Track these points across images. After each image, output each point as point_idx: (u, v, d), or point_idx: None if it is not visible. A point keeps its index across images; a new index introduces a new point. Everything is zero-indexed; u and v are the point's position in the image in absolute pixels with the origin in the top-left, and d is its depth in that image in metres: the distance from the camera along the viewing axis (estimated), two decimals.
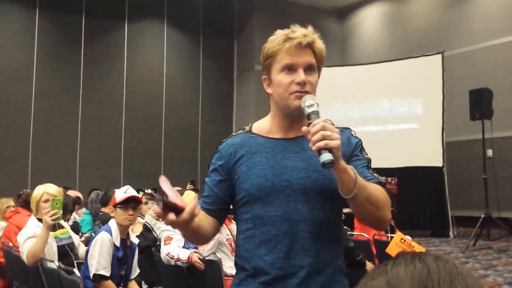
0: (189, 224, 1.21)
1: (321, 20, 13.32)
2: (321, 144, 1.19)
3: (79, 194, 6.64)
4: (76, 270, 2.91)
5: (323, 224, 1.35)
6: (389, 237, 4.79)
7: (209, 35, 12.95)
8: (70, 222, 4.65)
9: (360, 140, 1.45)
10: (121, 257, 3.06)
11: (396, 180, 5.20)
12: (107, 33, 11.68)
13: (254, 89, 12.06)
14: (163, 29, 12.45)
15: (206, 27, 12.93)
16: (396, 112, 9.79)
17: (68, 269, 2.99)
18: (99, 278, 2.94)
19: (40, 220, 3.23)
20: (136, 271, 3.26)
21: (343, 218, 4.25)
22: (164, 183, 1.15)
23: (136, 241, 3.31)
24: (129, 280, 3.21)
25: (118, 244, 3.04)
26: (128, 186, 3.28)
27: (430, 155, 9.04)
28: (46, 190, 3.38)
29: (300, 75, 1.35)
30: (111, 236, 3.02)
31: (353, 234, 4.75)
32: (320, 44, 1.39)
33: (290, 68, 1.37)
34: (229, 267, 3.31)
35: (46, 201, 3.29)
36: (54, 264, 3.06)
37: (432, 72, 9.21)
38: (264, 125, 1.47)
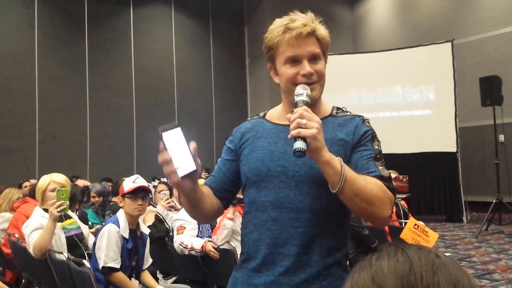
0: (189, 192, 1.23)
1: (332, 7, 13.16)
2: (294, 132, 1.17)
3: (88, 183, 6.56)
4: (86, 262, 2.83)
5: (316, 214, 1.29)
6: (403, 223, 4.72)
7: (218, 21, 12.76)
8: (79, 212, 4.56)
9: (371, 129, 1.36)
10: (131, 248, 2.98)
11: (407, 178, 5.13)
12: (111, 17, 11.51)
13: (267, 75, 11.73)
14: (170, 14, 12.27)
15: (215, 12, 12.74)
16: (410, 99, 9.89)
17: (78, 260, 2.91)
18: (108, 270, 2.87)
19: (46, 210, 3.13)
20: (148, 261, 3.18)
21: None
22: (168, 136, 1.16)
23: (146, 231, 3.22)
24: (142, 270, 3.13)
25: (126, 235, 2.96)
26: (137, 176, 3.17)
27: (444, 140, 9.18)
28: (53, 179, 3.29)
29: (305, 67, 1.32)
30: (119, 228, 2.93)
31: (367, 221, 4.66)
32: (322, 31, 1.35)
33: (294, 60, 1.33)
34: None
35: (53, 190, 3.20)
36: (63, 256, 2.98)
37: (443, 59, 9.36)
38: (276, 112, 1.46)
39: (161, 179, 6.32)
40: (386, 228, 4.60)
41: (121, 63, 11.62)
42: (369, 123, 1.38)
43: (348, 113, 1.40)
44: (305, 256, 1.29)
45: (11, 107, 10.11)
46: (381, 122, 9.77)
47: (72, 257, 2.98)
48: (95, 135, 11.03)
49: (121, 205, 3.04)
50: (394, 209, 5.06)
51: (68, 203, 3.05)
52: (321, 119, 1.27)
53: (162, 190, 4.52)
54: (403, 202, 5.28)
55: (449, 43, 9.38)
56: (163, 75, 12.01)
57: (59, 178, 3.34)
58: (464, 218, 9.00)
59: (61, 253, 3.02)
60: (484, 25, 10.51)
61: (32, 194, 4.31)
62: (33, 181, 6.73)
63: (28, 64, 10.43)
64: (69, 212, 3.43)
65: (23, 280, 3.83)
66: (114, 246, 2.87)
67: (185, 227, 3.53)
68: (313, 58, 1.33)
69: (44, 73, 10.59)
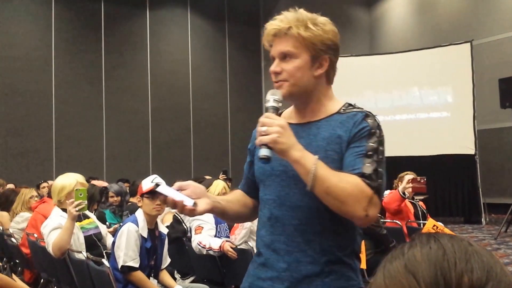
0: (196, 213, 1.32)
1: (349, 9, 13.11)
2: (256, 141, 1.25)
3: (106, 184, 6.60)
4: (105, 261, 2.82)
5: (315, 212, 1.31)
6: (421, 224, 4.66)
7: (234, 23, 12.78)
8: (97, 213, 4.59)
9: (369, 125, 1.32)
10: (149, 247, 2.98)
11: (425, 179, 5.01)
12: (128, 20, 11.59)
13: None
14: (186, 16, 12.32)
15: (231, 14, 12.76)
16: (427, 101, 9.83)
17: (97, 259, 2.91)
18: (127, 269, 2.87)
19: (64, 210, 3.15)
20: (166, 260, 3.18)
21: None
22: (162, 188, 1.32)
23: (165, 231, 3.22)
24: (160, 269, 3.12)
25: (145, 235, 2.96)
26: (155, 176, 3.16)
27: (462, 143, 9.12)
28: (69, 180, 3.29)
29: (272, 66, 1.37)
30: (138, 227, 2.93)
31: (385, 222, 4.61)
32: (300, 29, 1.33)
33: (273, 59, 1.39)
34: None
35: (69, 191, 3.20)
36: (82, 255, 2.98)
37: (461, 60, 9.26)
38: (289, 111, 1.49)
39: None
40: (405, 229, 4.55)
41: (137, 66, 11.70)
42: (372, 120, 1.34)
43: (355, 109, 1.38)
44: (306, 253, 1.31)
45: (28, 110, 10.24)
46: (398, 124, 9.69)
47: (91, 256, 2.98)
48: (111, 138, 11.11)
49: (139, 204, 3.04)
50: (413, 210, 4.99)
51: (86, 202, 3.05)
52: (326, 117, 1.35)
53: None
54: (421, 203, 5.20)
55: (468, 44, 9.28)
56: (178, 78, 12.05)
57: (74, 179, 3.32)
58: (482, 220, 8.93)
59: (80, 252, 3.03)
60: (504, 25, 10.39)
61: (50, 194, 4.35)
62: (51, 182, 6.79)
63: (45, 68, 10.56)
64: (87, 212, 3.44)
65: (42, 280, 3.85)
66: (133, 245, 2.88)
67: (203, 227, 3.52)
68: (283, 57, 1.34)
69: (60, 76, 10.71)
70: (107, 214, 4.82)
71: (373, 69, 10.05)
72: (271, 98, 1.33)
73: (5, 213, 4.79)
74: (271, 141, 1.22)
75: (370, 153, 1.28)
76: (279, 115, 1.47)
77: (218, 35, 12.66)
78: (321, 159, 1.25)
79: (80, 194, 3.00)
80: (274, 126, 1.23)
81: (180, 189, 1.33)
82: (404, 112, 9.92)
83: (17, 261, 4.10)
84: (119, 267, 2.85)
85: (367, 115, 1.35)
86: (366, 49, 12.89)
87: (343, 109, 1.39)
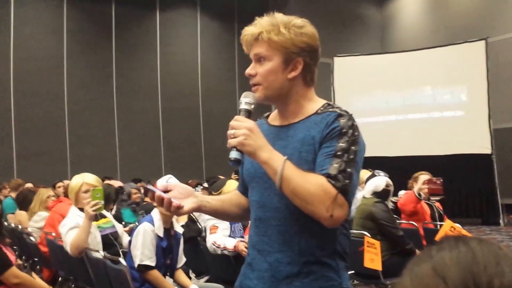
0: (182, 212, 1.38)
1: (360, 7, 13.01)
2: (228, 144, 1.29)
3: (121, 184, 6.66)
4: (122, 260, 2.85)
5: (293, 213, 1.32)
6: (438, 225, 4.61)
7: (244, 23, 12.64)
8: (113, 212, 4.63)
9: (340, 126, 1.32)
10: (165, 247, 3.00)
11: (441, 181, 4.96)
12: (138, 22, 11.68)
13: None
14: (196, 17, 12.37)
15: (240, 15, 12.77)
16: (440, 100, 9.70)
17: (114, 258, 2.94)
18: (144, 268, 2.89)
19: (81, 209, 3.18)
20: (182, 259, 3.19)
21: (391, 207, 3.99)
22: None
23: (180, 230, 3.23)
24: (176, 269, 3.14)
25: (161, 234, 2.98)
26: (170, 176, 3.18)
27: (478, 142, 8.98)
28: (85, 180, 3.33)
29: (248, 68, 1.41)
30: (154, 227, 2.95)
31: (400, 223, 4.56)
32: (271, 34, 1.37)
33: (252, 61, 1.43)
34: None
35: (86, 191, 3.24)
36: (99, 254, 3.02)
37: (476, 58, 9.12)
38: (274, 114, 1.52)
39: (203, 185, 6.30)
40: (421, 230, 4.50)
41: (147, 67, 11.78)
42: (345, 120, 1.33)
43: (331, 110, 1.38)
44: (286, 254, 1.33)
45: (41, 111, 10.39)
46: (409, 123, 9.59)
47: (108, 255, 3.02)
48: (124, 138, 11.21)
49: (155, 204, 3.06)
50: (429, 212, 4.92)
51: (103, 202, 3.08)
52: (304, 118, 1.37)
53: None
54: (437, 204, 5.13)
55: (483, 41, 9.13)
56: (188, 78, 12.11)
57: (90, 178, 3.36)
58: (500, 221, 8.80)
59: (97, 251, 3.06)
60: None
61: (67, 194, 4.40)
62: (66, 182, 6.87)
63: (57, 70, 10.71)
64: (104, 211, 3.47)
65: (60, 278, 3.90)
66: (149, 244, 2.90)
67: (217, 227, 3.53)
68: (258, 60, 1.39)
69: (72, 77, 10.84)
70: (126, 213, 4.87)
71: (385, 68, 9.96)
72: (243, 100, 1.38)
73: (23, 212, 4.87)
74: (238, 143, 1.27)
75: (339, 153, 1.28)
76: (267, 117, 1.53)
77: (227, 35, 12.67)
78: (295, 160, 1.28)
79: (97, 194, 3.03)
80: (241, 129, 1.27)
81: (166, 190, 1.39)
82: (416, 111, 9.79)
83: (36, 259, 4.15)
84: (136, 266, 2.88)
85: (340, 115, 1.34)
86: (378, 47, 12.78)
87: (321, 110, 1.39)
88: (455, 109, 9.51)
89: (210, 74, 12.34)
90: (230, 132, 1.29)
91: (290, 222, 1.34)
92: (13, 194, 6.53)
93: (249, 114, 1.37)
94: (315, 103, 1.42)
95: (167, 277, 3.08)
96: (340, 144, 1.29)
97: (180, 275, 3.16)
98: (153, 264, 2.90)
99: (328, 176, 1.25)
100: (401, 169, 7.63)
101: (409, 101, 9.86)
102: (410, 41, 12.12)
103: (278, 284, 1.34)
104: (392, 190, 4.18)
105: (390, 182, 4.08)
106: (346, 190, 1.25)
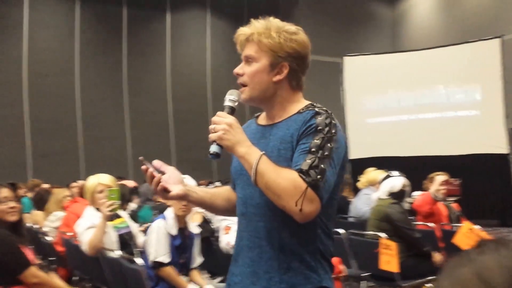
0: (169, 196, 1.45)
1: (371, 5, 12.91)
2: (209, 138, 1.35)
3: (135, 184, 6.70)
4: (137, 259, 2.86)
5: (273, 209, 1.35)
6: (454, 227, 4.54)
7: None
8: (128, 212, 4.65)
9: (316, 123, 1.35)
10: (178, 245, 3.01)
11: (459, 182, 4.92)
12: (149, 23, 11.75)
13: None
14: (205, 18, 12.41)
15: (250, 16, 12.69)
16: (454, 99, 9.57)
17: (129, 258, 2.95)
18: (158, 265, 2.91)
19: (97, 209, 3.21)
20: (198, 260, 3.19)
21: (408, 208, 3.93)
22: (148, 163, 1.46)
23: (196, 230, 3.23)
24: (191, 269, 3.14)
25: (174, 233, 3.00)
26: (185, 176, 3.18)
27: (493, 142, 8.87)
28: (100, 181, 3.36)
29: (236, 68, 1.47)
30: (167, 225, 2.97)
31: (416, 224, 4.50)
32: (261, 36, 1.42)
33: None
34: None
35: (101, 191, 3.27)
36: (115, 254, 3.03)
37: (491, 57, 9.01)
38: (263, 113, 1.56)
39: (215, 184, 6.32)
40: (437, 232, 4.43)
41: (158, 68, 11.84)
42: (322, 118, 1.36)
43: (311, 109, 1.41)
44: (266, 249, 1.37)
45: (54, 112, 10.50)
46: (422, 123, 9.47)
47: (125, 254, 3.03)
48: (135, 138, 11.29)
49: (168, 204, 3.08)
50: (445, 213, 4.85)
51: (119, 202, 3.11)
52: (286, 118, 1.41)
53: None
54: (454, 205, 5.06)
55: (498, 39, 9.00)
56: (197, 79, 12.15)
57: (105, 179, 3.40)
58: None
59: (113, 251, 3.07)
60: None
61: (81, 194, 4.44)
62: (80, 182, 6.91)
63: (70, 71, 10.82)
64: (119, 211, 3.49)
65: (75, 277, 3.92)
66: (163, 241, 2.92)
67: (231, 227, 3.52)
68: (246, 61, 1.45)
69: (84, 79, 10.94)
70: (145, 211, 4.89)
71: (396, 67, 9.85)
72: (227, 98, 1.45)
73: (39, 212, 4.91)
74: (217, 138, 1.34)
75: (313, 149, 1.31)
76: (257, 116, 1.57)
77: None
78: (274, 158, 1.33)
79: (112, 195, 3.07)
80: (221, 124, 1.34)
81: (160, 171, 1.46)
82: (429, 110, 9.66)
83: (51, 258, 4.18)
84: (149, 262, 2.90)
85: (318, 113, 1.37)
86: (389, 46, 12.67)
87: (302, 109, 1.42)
88: (469, 108, 9.38)
89: (219, 75, 12.35)
90: (211, 127, 1.35)
91: (270, 218, 1.37)
92: (29, 194, 6.60)
93: (232, 110, 1.43)
94: (299, 104, 1.45)
95: (182, 276, 3.08)
96: (315, 140, 1.32)
97: (196, 275, 3.16)
98: (167, 260, 2.91)
99: (300, 171, 1.28)
100: (413, 169, 7.55)
101: (421, 100, 9.74)
102: (422, 40, 12.00)
103: (259, 279, 1.37)
104: (409, 191, 4.13)
105: (407, 183, 4.03)
106: (317, 185, 1.27)
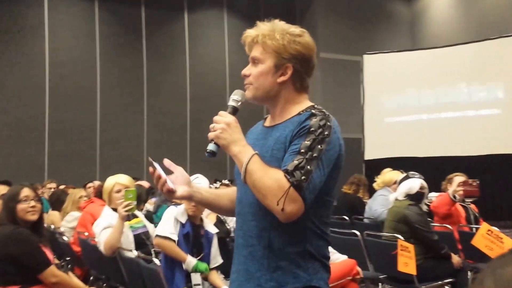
0: (174, 196, 1.51)
1: (388, 3, 12.80)
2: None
3: (150, 185, 6.73)
4: (155, 259, 2.86)
5: (264, 209, 1.36)
6: (473, 228, 4.47)
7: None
8: (144, 212, 4.67)
9: (309, 125, 1.37)
10: (186, 234, 3.03)
11: (478, 182, 4.78)
12: (167, 24, 11.82)
13: (319, 77, 11.68)
14: (222, 18, 12.44)
15: (267, 15, 12.67)
16: (475, 97, 9.36)
17: (146, 258, 2.96)
18: (162, 238, 2.94)
19: (114, 210, 3.23)
20: (216, 260, 3.19)
21: (426, 210, 3.87)
22: (156, 165, 1.54)
23: (213, 230, 3.22)
24: (210, 269, 3.15)
25: (183, 220, 3.02)
26: (197, 175, 3.20)
27: None
28: (118, 181, 3.40)
29: (244, 69, 1.53)
30: (177, 212, 3.04)
31: (434, 226, 4.43)
32: (266, 38, 1.45)
33: None
34: None
35: (118, 191, 3.30)
36: (132, 253, 3.04)
37: None
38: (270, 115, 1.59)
39: (223, 181, 6.32)
40: (456, 233, 4.36)
41: (176, 69, 11.89)
42: (317, 119, 1.37)
43: (308, 110, 1.43)
44: (257, 248, 1.40)
45: (74, 113, 10.60)
46: (443, 122, 9.31)
47: (141, 254, 3.04)
48: (152, 139, 11.35)
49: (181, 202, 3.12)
50: (463, 214, 4.76)
51: (135, 203, 3.13)
52: (286, 119, 1.44)
53: None
54: (473, 206, 4.97)
55: None
56: (216, 79, 12.16)
57: (123, 179, 3.43)
58: None
59: (130, 250, 3.09)
60: None
61: (97, 194, 4.47)
62: (96, 182, 6.96)
63: (90, 72, 10.91)
64: (136, 211, 3.50)
65: (91, 277, 3.95)
66: (170, 222, 2.98)
67: None
68: (253, 62, 1.50)
69: (105, 80, 11.03)
70: (163, 211, 4.91)
71: (416, 65, 9.70)
72: (231, 97, 1.51)
73: (56, 213, 4.96)
74: (214, 136, 1.40)
75: (302, 150, 1.33)
76: (266, 119, 1.59)
77: None
78: (268, 158, 1.37)
79: (129, 195, 3.09)
80: (220, 123, 1.40)
81: (169, 171, 1.54)
82: (450, 109, 9.47)
83: (68, 258, 4.21)
84: (154, 237, 2.99)
85: (313, 114, 1.39)
86: (408, 44, 12.50)
87: (302, 111, 1.44)
88: (491, 107, 9.16)
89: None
90: (211, 125, 1.41)
91: (261, 217, 1.39)
92: (46, 195, 6.68)
93: (234, 110, 1.49)
94: (301, 106, 1.47)
95: (192, 274, 3.07)
96: (305, 142, 1.34)
97: (214, 275, 3.15)
98: (172, 237, 2.94)
99: (286, 171, 1.30)
100: (433, 170, 7.43)
101: (442, 99, 9.55)
102: (441, 37, 11.78)
103: (251, 277, 1.40)
104: (427, 193, 4.06)
105: (425, 184, 3.96)
106: (300, 186, 1.29)
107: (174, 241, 2.94)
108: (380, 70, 9.89)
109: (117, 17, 11.31)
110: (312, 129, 1.35)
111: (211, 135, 1.41)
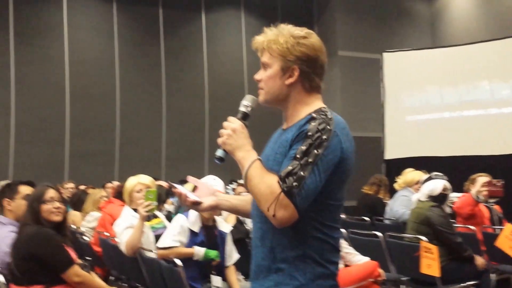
0: (200, 209, 1.60)
1: (408, 1, 12.61)
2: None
3: (167, 185, 6.74)
4: (175, 259, 2.87)
5: None
6: (496, 229, 4.39)
7: (288, 21, 12.56)
8: (164, 212, 4.69)
9: (307, 129, 1.38)
10: (199, 243, 3.02)
11: (502, 183, 4.64)
12: (185, 24, 11.85)
13: (338, 75, 11.58)
14: (240, 17, 12.43)
15: (284, 13, 12.69)
16: (499, 95, 9.11)
17: (168, 258, 2.96)
18: (163, 250, 2.99)
19: (135, 210, 3.25)
20: (232, 257, 3.19)
21: (449, 212, 3.80)
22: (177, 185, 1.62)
23: (226, 229, 3.21)
24: (226, 266, 3.16)
25: (196, 230, 3.01)
26: (214, 177, 3.19)
27: None
28: (139, 181, 3.42)
29: (256, 74, 1.56)
30: (188, 221, 3.04)
31: (457, 227, 4.35)
32: (271, 43, 1.49)
33: None
34: None
35: (139, 191, 3.32)
36: (153, 254, 3.05)
37: None
38: None
39: (238, 181, 6.35)
40: (479, 235, 4.28)
41: (194, 68, 11.93)
42: (315, 123, 1.38)
43: (311, 115, 1.44)
44: (262, 249, 1.45)
45: (94, 113, 10.71)
46: (466, 121, 9.11)
47: None
48: (170, 139, 11.40)
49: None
50: (487, 215, 4.66)
51: (156, 203, 3.15)
52: (295, 122, 1.45)
53: (241, 192, 4.52)
54: (496, 207, 4.86)
55: None
56: (234, 78, 12.15)
57: (145, 179, 3.45)
58: None
59: (151, 251, 3.10)
60: None
61: (116, 195, 4.49)
62: (115, 182, 7.02)
63: (109, 72, 11.01)
64: (156, 212, 3.52)
65: (112, 277, 3.98)
66: (176, 231, 3.00)
67: None
68: (263, 67, 1.53)
69: (124, 80, 11.12)
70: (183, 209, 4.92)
71: (437, 63, 9.51)
72: (241, 103, 1.55)
73: (77, 213, 5.00)
74: (221, 142, 1.45)
75: (298, 156, 1.34)
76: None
77: None
78: (271, 162, 1.41)
79: (150, 195, 3.10)
80: (227, 129, 1.45)
81: (194, 188, 1.66)
82: (472, 107, 9.22)
83: (88, 258, 4.25)
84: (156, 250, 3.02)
85: (312, 118, 1.40)
86: (428, 42, 12.31)
87: (307, 114, 1.45)
88: None
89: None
90: (220, 131, 1.46)
91: (265, 219, 1.40)
92: (64, 195, 6.76)
93: (244, 115, 1.52)
94: (311, 108, 1.47)
95: (213, 275, 3.07)
96: (302, 146, 1.35)
97: (231, 274, 3.14)
98: (173, 245, 2.97)
99: (280, 177, 1.33)
100: (455, 169, 7.27)
101: (464, 97, 9.31)
102: (462, 35, 11.57)
103: (258, 277, 1.46)
104: (450, 194, 3.99)
105: (448, 186, 3.90)
106: (291, 192, 1.30)
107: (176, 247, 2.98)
108: (401, 68, 9.75)
109: (135, 17, 11.40)
110: (309, 133, 1.36)
111: (219, 141, 1.46)
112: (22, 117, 10.16)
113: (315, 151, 1.33)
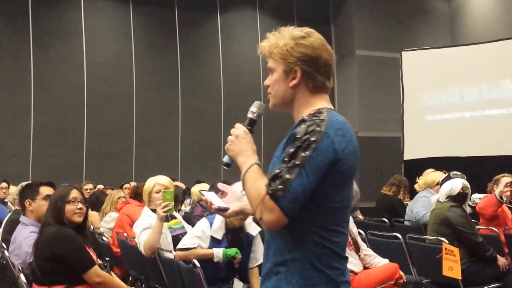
0: (225, 215, 1.62)
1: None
2: None
3: (184, 186, 6.78)
4: (194, 260, 2.86)
5: None
6: None
7: (303, 21, 12.59)
8: (182, 213, 4.70)
9: (296, 132, 1.38)
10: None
11: None
12: (200, 25, 11.90)
13: (356, 75, 11.49)
14: (255, 18, 12.41)
15: (300, 13, 12.64)
16: None
17: (186, 258, 2.95)
18: (182, 251, 2.98)
19: (154, 210, 3.26)
20: (257, 260, 3.13)
21: (469, 212, 3.71)
22: (205, 192, 1.69)
23: (254, 231, 3.18)
24: (249, 268, 3.13)
25: (219, 237, 3.00)
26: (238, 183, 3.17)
27: None
28: (158, 181, 3.44)
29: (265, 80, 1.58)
30: (210, 226, 3.03)
31: (479, 229, 4.26)
32: (272, 47, 1.52)
33: None
34: (349, 263, 3.07)
35: (158, 191, 3.33)
36: (171, 254, 3.05)
37: None
38: None
39: None
40: (502, 236, 4.19)
41: (210, 69, 11.96)
42: (305, 126, 1.37)
43: (304, 117, 1.43)
44: (267, 252, 1.47)
45: (112, 114, 10.81)
46: (487, 120, 8.92)
47: None
48: (186, 140, 11.44)
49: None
50: (511, 216, 4.55)
51: (173, 203, 3.15)
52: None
53: None
54: None
55: None
56: (250, 79, 12.14)
57: (163, 180, 3.46)
58: None
59: (169, 251, 3.10)
60: None
61: (133, 195, 4.51)
62: (133, 183, 7.06)
63: (126, 74, 11.10)
64: (174, 213, 3.52)
65: (130, 277, 4.00)
66: (197, 233, 3.00)
67: None
68: (270, 72, 1.56)
69: (141, 81, 11.21)
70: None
71: (457, 61, 9.36)
72: (250, 109, 1.57)
73: (95, 213, 5.04)
74: (226, 149, 1.49)
75: (286, 159, 1.34)
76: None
77: None
78: (271, 166, 1.42)
79: (168, 196, 3.11)
80: (231, 136, 1.49)
81: (222, 193, 1.68)
82: (494, 106, 9.04)
83: (107, 258, 4.28)
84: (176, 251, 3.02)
85: (303, 120, 1.40)
86: (447, 40, 12.10)
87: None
88: None
89: None
90: (228, 137, 1.50)
91: None
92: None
93: (250, 122, 1.54)
94: (312, 109, 1.46)
95: (235, 279, 3.05)
96: (290, 149, 1.35)
97: (254, 276, 3.11)
98: (192, 246, 2.97)
99: (267, 180, 1.34)
100: (477, 170, 7.15)
101: (486, 96, 9.14)
102: (482, 33, 11.33)
103: (264, 278, 1.48)
104: (470, 193, 3.90)
105: (467, 184, 3.81)
106: (275, 195, 1.30)
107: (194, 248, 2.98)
108: (420, 67, 9.60)
109: (151, 19, 11.48)
110: (297, 136, 1.36)
111: (226, 147, 1.50)
112: (41, 119, 10.30)
113: (303, 153, 1.33)
